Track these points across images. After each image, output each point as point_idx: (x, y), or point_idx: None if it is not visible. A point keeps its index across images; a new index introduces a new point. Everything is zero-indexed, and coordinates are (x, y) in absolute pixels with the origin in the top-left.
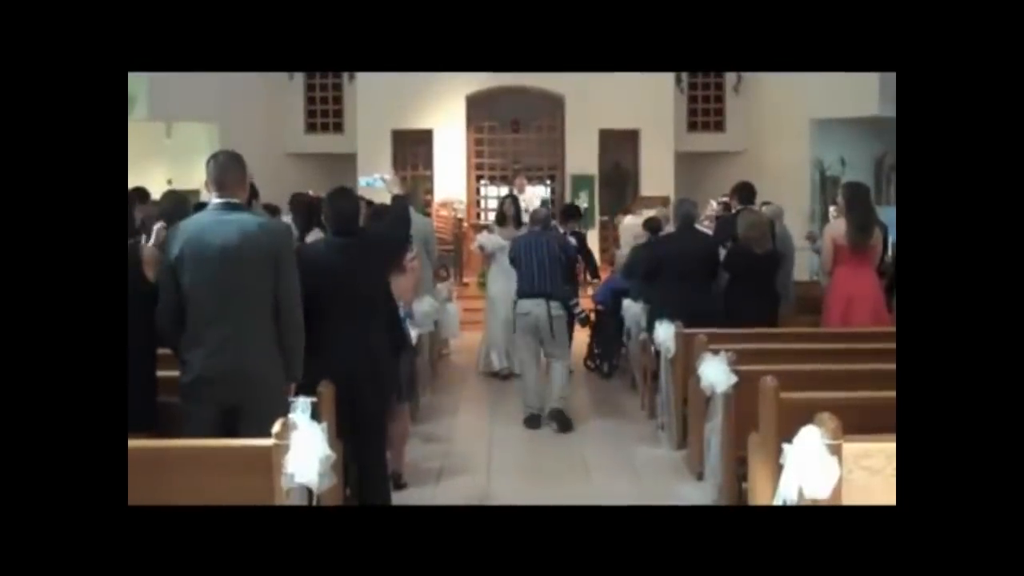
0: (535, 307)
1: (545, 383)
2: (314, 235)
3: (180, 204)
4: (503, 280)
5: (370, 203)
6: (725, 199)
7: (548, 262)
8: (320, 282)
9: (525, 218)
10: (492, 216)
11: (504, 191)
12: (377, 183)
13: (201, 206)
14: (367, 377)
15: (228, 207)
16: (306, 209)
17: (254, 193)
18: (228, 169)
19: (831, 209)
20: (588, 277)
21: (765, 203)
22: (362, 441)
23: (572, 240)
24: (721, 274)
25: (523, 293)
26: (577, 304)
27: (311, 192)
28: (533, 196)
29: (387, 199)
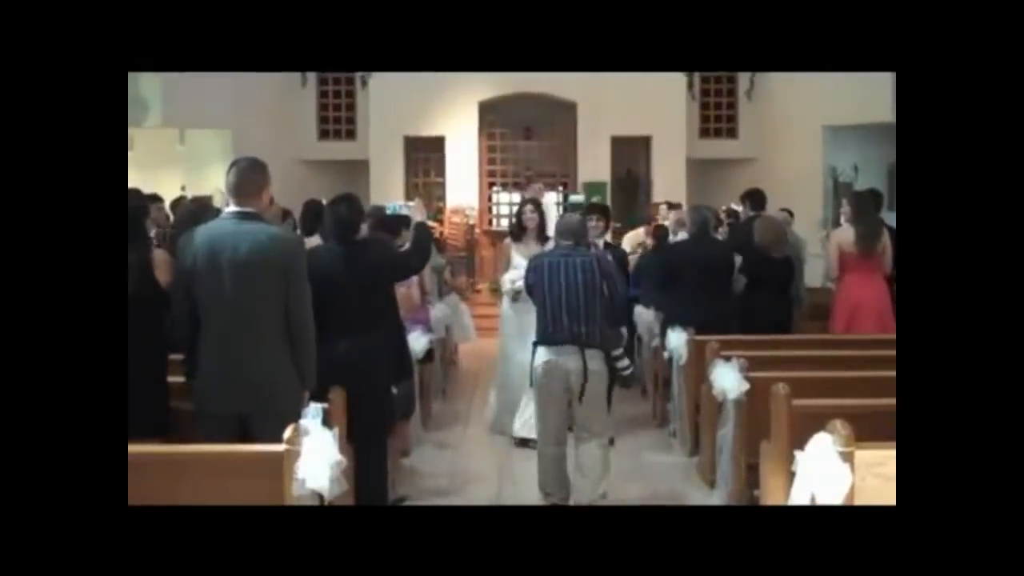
0: (565, 359)
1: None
2: (313, 241)
3: (202, 210)
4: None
5: (379, 207)
6: (728, 207)
7: (582, 293)
8: (317, 290)
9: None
10: (506, 224)
11: (517, 198)
12: (402, 211)
13: (218, 212)
14: (364, 388)
15: (242, 216)
16: (313, 215)
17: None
18: (246, 177)
19: (842, 215)
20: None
21: (783, 210)
22: (360, 452)
23: (608, 257)
24: (737, 280)
25: (545, 338)
26: (624, 357)
27: (324, 200)
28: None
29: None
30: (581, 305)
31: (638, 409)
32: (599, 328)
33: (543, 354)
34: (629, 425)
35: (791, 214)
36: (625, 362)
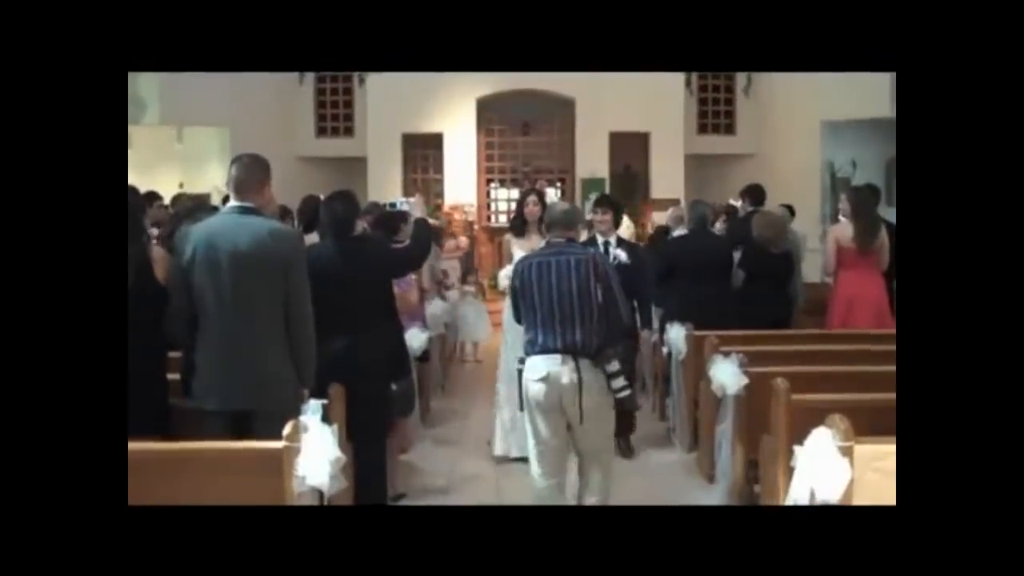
0: (557, 370)
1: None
2: (312, 238)
3: (197, 207)
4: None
5: (376, 204)
6: (727, 203)
7: (575, 296)
8: (315, 287)
9: None
10: (504, 220)
11: (515, 194)
12: (403, 206)
13: (213, 210)
14: (363, 385)
15: (242, 211)
16: (311, 212)
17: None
18: (249, 173)
19: (840, 211)
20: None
21: (783, 206)
22: (359, 449)
23: (623, 255)
24: (736, 274)
25: (535, 346)
26: (620, 375)
27: (322, 196)
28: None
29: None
30: (573, 309)
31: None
32: (594, 334)
33: (535, 367)
34: None
35: (791, 210)
36: (621, 381)
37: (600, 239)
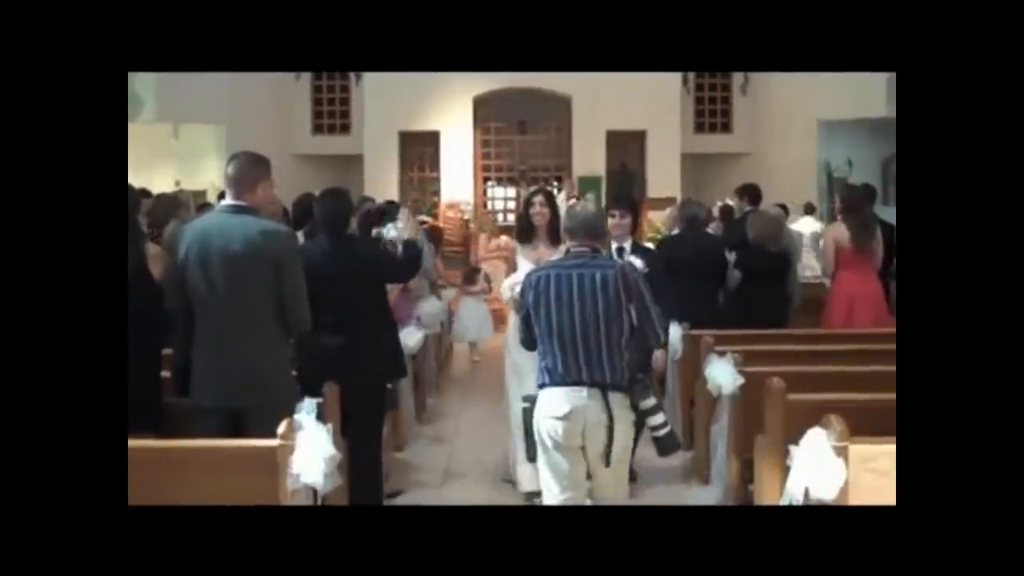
0: (582, 405)
1: None
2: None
3: (172, 206)
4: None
5: (367, 198)
6: (724, 203)
7: (602, 319)
8: (309, 284)
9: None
10: (502, 218)
11: (512, 192)
12: (391, 233)
13: (205, 207)
14: (359, 383)
15: (235, 210)
16: (304, 210)
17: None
18: (245, 171)
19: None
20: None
21: (796, 206)
22: (355, 447)
23: (639, 263)
24: (731, 274)
25: (554, 376)
26: (657, 410)
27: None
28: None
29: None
30: (603, 336)
31: None
32: (622, 364)
33: (554, 401)
34: None
35: (786, 209)
36: (659, 418)
37: (614, 244)
